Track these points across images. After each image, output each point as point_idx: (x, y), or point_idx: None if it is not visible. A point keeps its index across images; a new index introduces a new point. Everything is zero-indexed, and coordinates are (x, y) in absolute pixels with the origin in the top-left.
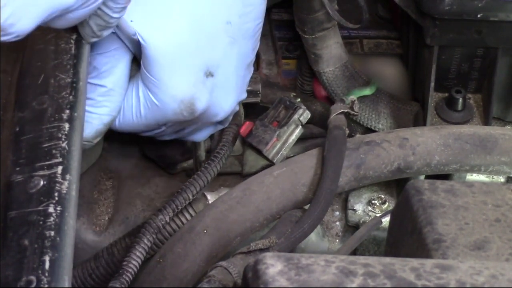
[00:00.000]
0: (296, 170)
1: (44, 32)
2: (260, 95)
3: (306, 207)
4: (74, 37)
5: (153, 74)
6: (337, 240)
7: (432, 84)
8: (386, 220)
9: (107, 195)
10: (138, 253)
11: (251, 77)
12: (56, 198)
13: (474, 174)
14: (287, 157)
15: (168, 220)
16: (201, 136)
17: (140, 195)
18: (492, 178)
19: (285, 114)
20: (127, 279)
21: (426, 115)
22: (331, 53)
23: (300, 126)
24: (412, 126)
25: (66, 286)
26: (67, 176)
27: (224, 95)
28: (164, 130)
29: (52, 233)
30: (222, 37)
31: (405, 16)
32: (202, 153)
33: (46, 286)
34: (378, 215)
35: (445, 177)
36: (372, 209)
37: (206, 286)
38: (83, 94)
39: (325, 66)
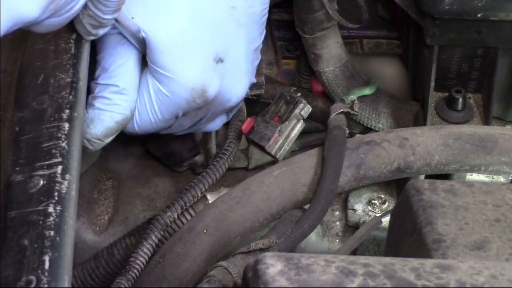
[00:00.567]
0: (296, 170)
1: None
2: (264, 87)
3: (306, 207)
4: (74, 36)
5: (160, 66)
6: (337, 240)
7: (432, 84)
8: (386, 220)
9: (107, 195)
10: (145, 250)
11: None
12: (56, 198)
13: (474, 174)
14: (292, 151)
15: (176, 217)
16: (215, 125)
17: (140, 195)
18: (492, 178)
19: (286, 109)
20: (133, 275)
21: (426, 114)
22: (331, 53)
23: (302, 121)
24: (412, 126)
25: (66, 286)
26: (67, 176)
27: (236, 80)
28: (181, 122)
29: (52, 233)
30: (227, 22)
31: (405, 16)
32: (213, 146)
33: (46, 286)
34: (378, 215)
35: (445, 177)
36: (372, 209)
37: (206, 286)
38: (83, 94)
39: (325, 66)
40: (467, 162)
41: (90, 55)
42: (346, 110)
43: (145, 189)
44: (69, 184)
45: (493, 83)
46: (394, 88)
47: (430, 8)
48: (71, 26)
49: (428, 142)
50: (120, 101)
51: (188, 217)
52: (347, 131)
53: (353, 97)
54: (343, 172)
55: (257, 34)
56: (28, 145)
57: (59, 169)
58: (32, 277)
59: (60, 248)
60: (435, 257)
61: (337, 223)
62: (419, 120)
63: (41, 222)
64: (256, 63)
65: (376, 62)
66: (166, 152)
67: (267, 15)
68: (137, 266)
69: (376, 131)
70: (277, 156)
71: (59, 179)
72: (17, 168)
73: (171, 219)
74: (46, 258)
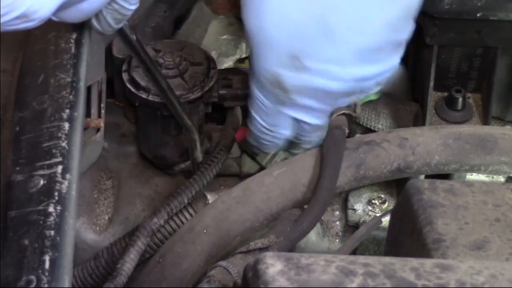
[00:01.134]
0: (296, 170)
1: (44, 32)
2: None
3: (306, 207)
4: (74, 36)
5: None
6: (337, 240)
7: (432, 84)
8: (386, 220)
9: (107, 195)
10: (132, 256)
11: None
12: (56, 198)
13: (474, 174)
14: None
15: (162, 223)
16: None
17: (140, 195)
18: (492, 178)
19: None
20: (121, 281)
21: (426, 114)
22: None
23: None
24: (412, 126)
25: (66, 285)
26: (67, 176)
27: None
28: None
29: (52, 232)
30: None
31: None
32: (199, 155)
33: (46, 285)
34: (378, 214)
35: (445, 177)
36: (372, 209)
37: (206, 286)
38: (83, 94)
39: None
40: (467, 162)
41: None
42: (347, 112)
43: (145, 189)
44: (69, 184)
45: (493, 82)
46: (393, 88)
47: (429, 8)
48: (71, 26)
49: (428, 142)
50: None
51: (188, 216)
52: (347, 131)
53: (355, 99)
54: (343, 172)
55: None
56: (28, 145)
57: (59, 169)
58: (33, 277)
59: (61, 248)
60: (435, 257)
61: (337, 223)
62: (419, 120)
63: (41, 222)
64: None
65: None
66: (157, 156)
67: None
68: (123, 272)
69: (376, 131)
70: (264, 165)
71: (60, 179)
72: (17, 168)
73: (157, 225)
74: (47, 258)
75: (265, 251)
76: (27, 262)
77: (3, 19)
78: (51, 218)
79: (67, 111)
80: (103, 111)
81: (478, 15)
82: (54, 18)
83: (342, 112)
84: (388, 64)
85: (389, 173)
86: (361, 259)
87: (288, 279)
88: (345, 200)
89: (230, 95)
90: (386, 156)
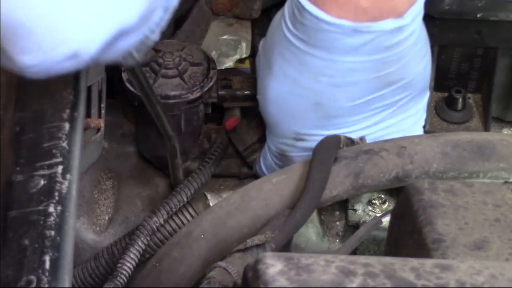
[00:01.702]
0: (294, 177)
1: None
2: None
3: None
4: None
5: None
6: (337, 240)
7: (432, 84)
8: (386, 220)
9: (107, 195)
10: (132, 255)
11: (250, 82)
12: (57, 198)
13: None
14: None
15: (162, 222)
16: None
17: (140, 195)
18: None
19: None
20: (121, 281)
21: (426, 114)
22: None
23: None
24: None
25: (67, 286)
26: (68, 176)
27: None
28: None
29: (53, 232)
30: None
31: None
32: (179, 162)
33: (46, 286)
34: (378, 215)
35: None
36: (372, 209)
37: (206, 287)
38: (83, 94)
39: None
40: (465, 169)
41: None
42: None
43: (145, 189)
44: (70, 184)
45: (493, 83)
46: None
47: (430, 8)
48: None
49: (426, 150)
50: None
51: (188, 216)
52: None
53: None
54: (342, 181)
55: None
56: (29, 145)
57: (60, 169)
58: (33, 277)
59: (61, 248)
60: (435, 257)
61: (337, 223)
62: None
63: (41, 222)
64: None
65: None
66: (155, 155)
67: None
68: (124, 272)
69: None
70: (248, 162)
71: (60, 179)
72: (18, 168)
73: (157, 224)
74: (47, 258)
75: (262, 247)
76: (27, 262)
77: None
78: (51, 218)
79: (67, 111)
80: (103, 111)
81: (478, 15)
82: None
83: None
84: None
85: (387, 181)
86: (361, 259)
87: (288, 279)
88: (345, 200)
89: (229, 95)
90: (385, 165)
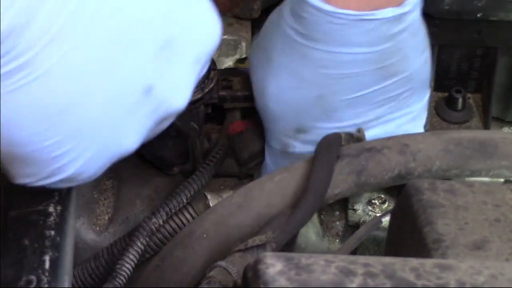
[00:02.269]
0: (297, 176)
1: None
2: None
3: None
4: None
5: None
6: (337, 240)
7: (432, 84)
8: (386, 220)
9: (107, 195)
10: (131, 256)
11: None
12: (56, 198)
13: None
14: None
15: (161, 223)
16: None
17: (140, 195)
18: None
19: None
20: (120, 282)
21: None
22: None
23: None
24: None
25: (66, 286)
26: None
27: None
28: None
29: (52, 232)
30: None
31: None
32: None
33: (46, 285)
34: (378, 214)
35: None
36: (372, 209)
37: (206, 287)
38: None
39: None
40: (468, 167)
41: None
42: (349, 131)
43: (145, 189)
44: None
45: (493, 83)
46: None
47: (429, 8)
48: None
49: (429, 148)
50: None
51: (188, 216)
52: (343, 136)
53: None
54: (344, 178)
55: None
56: None
57: None
58: (33, 277)
59: (61, 248)
60: (435, 257)
61: (337, 223)
62: None
63: (41, 222)
64: None
65: None
66: (156, 156)
67: None
68: (123, 273)
69: None
70: (249, 168)
71: None
72: None
73: (156, 225)
74: (47, 258)
75: (263, 247)
76: (27, 262)
77: (45, 182)
78: (51, 218)
79: None
80: None
81: (478, 15)
82: None
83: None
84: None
85: (390, 179)
86: (361, 259)
87: (288, 279)
88: (345, 200)
89: (230, 96)
90: (387, 163)
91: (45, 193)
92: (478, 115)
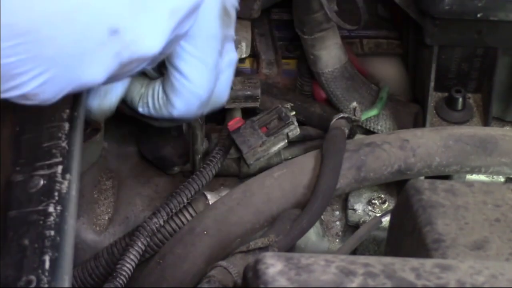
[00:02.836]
0: (296, 171)
1: None
2: (259, 100)
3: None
4: None
5: None
6: (337, 240)
7: (432, 84)
8: (386, 220)
9: (107, 195)
10: (132, 256)
11: (251, 82)
12: (56, 198)
13: (474, 175)
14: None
15: (162, 223)
16: None
17: (140, 195)
18: (492, 178)
19: (276, 124)
20: (121, 281)
21: (426, 114)
22: (330, 54)
23: (286, 140)
24: (411, 127)
25: (66, 286)
26: (67, 176)
27: None
28: None
29: (52, 232)
30: None
31: (405, 16)
32: (199, 147)
33: (46, 285)
34: (378, 214)
35: (445, 178)
36: (372, 209)
37: (206, 286)
38: (83, 93)
39: (324, 67)
40: (468, 163)
41: None
42: (346, 115)
43: (145, 189)
44: (70, 184)
45: (493, 83)
46: (394, 88)
47: (430, 8)
48: None
49: (429, 143)
50: None
51: (188, 216)
52: (347, 132)
53: (354, 104)
54: (344, 173)
55: None
56: (28, 144)
57: (60, 169)
58: (33, 277)
59: (61, 248)
60: (435, 257)
61: (337, 223)
62: (419, 122)
63: (41, 222)
64: None
65: (376, 62)
66: (156, 156)
67: None
68: (124, 273)
69: (376, 133)
70: (250, 165)
71: (60, 179)
72: (18, 168)
73: (157, 225)
74: (47, 258)
75: (265, 250)
76: (27, 262)
77: (3, 95)
78: (51, 218)
79: (67, 111)
80: None
81: (478, 15)
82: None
83: (342, 116)
84: None
85: (390, 175)
86: (361, 259)
87: (288, 279)
88: (345, 200)
89: (230, 96)
90: (387, 158)
91: (45, 193)
92: (478, 115)
